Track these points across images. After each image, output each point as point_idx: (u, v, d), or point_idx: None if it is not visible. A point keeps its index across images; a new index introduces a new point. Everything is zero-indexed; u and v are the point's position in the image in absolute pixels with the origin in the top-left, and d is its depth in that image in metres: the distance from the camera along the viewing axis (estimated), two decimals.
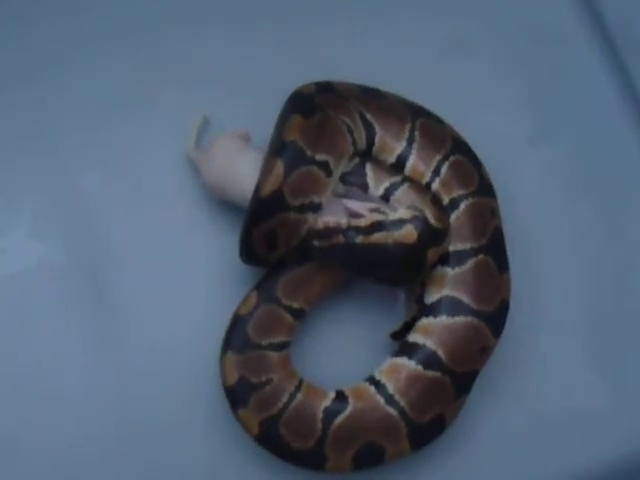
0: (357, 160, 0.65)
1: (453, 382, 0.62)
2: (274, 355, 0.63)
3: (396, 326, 0.66)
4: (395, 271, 0.61)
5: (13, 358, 0.67)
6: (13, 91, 0.71)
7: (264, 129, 0.64)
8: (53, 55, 0.72)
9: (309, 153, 0.60)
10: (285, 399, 0.62)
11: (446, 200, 0.65)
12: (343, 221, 0.61)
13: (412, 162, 0.65)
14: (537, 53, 0.74)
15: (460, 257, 0.64)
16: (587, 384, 0.69)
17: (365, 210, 0.62)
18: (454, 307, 0.63)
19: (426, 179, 0.65)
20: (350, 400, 0.62)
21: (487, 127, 0.70)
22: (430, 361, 0.62)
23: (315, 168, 0.60)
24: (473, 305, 0.63)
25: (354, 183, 0.64)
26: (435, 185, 0.65)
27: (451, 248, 0.64)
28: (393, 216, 0.61)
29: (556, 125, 0.73)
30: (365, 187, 0.64)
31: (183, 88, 0.71)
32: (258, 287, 0.64)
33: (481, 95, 0.73)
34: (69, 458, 0.65)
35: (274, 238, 0.61)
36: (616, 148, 0.73)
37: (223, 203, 0.67)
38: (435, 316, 0.63)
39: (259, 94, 0.69)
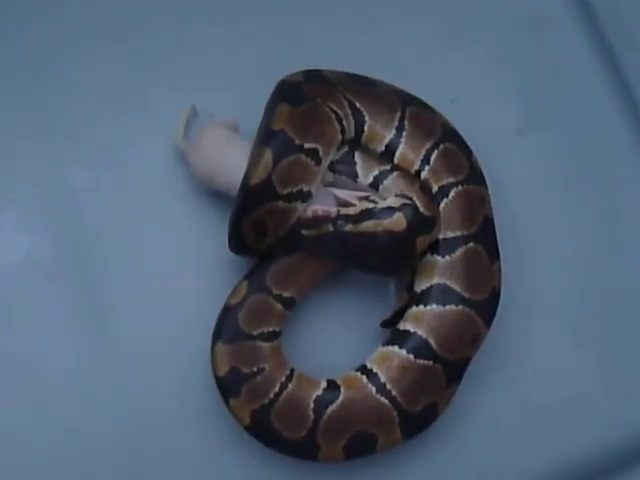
0: (346, 149, 0.65)
1: (444, 370, 0.62)
2: (265, 345, 0.63)
3: (386, 314, 0.66)
4: (385, 259, 0.61)
5: (0, 352, 0.66)
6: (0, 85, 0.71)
7: (253, 118, 0.63)
8: (41, 50, 0.71)
9: (298, 142, 0.60)
10: (276, 389, 0.62)
11: (435, 188, 0.65)
12: (332, 210, 0.61)
13: (401, 150, 0.65)
14: (527, 42, 0.74)
15: (450, 245, 0.64)
16: (576, 374, 0.69)
17: (354, 199, 0.62)
18: (445, 295, 0.63)
19: (415, 167, 0.65)
20: (342, 389, 0.62)
21: (477, 116, 0.70)
22: (421, 349, 0.62)
23: (304, 157, 0.60)
24: (464, 293, 0.63)
25: (343, 172, 0.64)
26: (425, 173, 0.65)
27: (441, 236, 0.64)
28: (382, 204, 0.61)
29: (546, 114, 0.73)
30: (354, 176, 0.64)
31: (171, 79, 0.71)
32: (248, 277, 0.64)
33: (471, 84, 0.73)
34: (58, 451, 0.65)
35: (263, 227, 0.61)
36: (605, 136, 0.73)
37: (212, 193, 0.67)
38: (425, 304, 0.63)
39: (247, 84, 0.69)
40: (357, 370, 0.64)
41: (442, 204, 0.64)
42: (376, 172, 0.64)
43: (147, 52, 0.71)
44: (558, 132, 0.73)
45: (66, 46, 0.71)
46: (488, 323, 0.64)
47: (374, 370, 0.63)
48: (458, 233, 0.64)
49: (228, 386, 0.62)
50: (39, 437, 0.65)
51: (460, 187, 0.65)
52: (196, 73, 0.71)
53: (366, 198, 0.62)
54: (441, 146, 0.65)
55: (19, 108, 0.70)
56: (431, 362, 0.62)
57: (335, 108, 0.63)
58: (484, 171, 0.67)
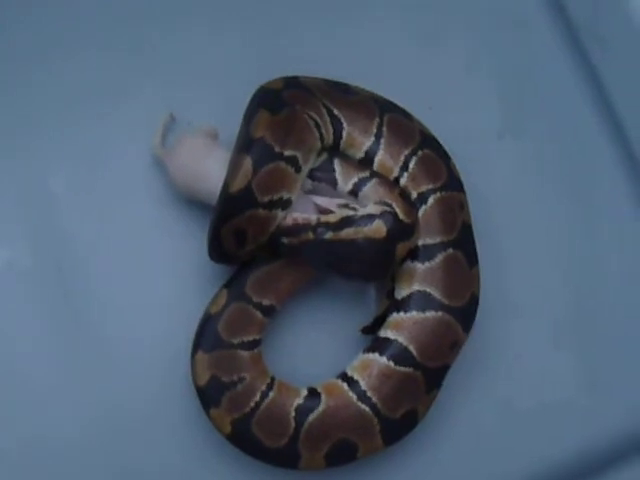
0: (325, 156, 0.65)
1: (424, 377, 0.62)
2: (245, 354, 0.62)
3: (367, 321, 0.66)
4: (365, 266, 0.61)
5: None
6: None
7: (232, 125, 0.63)
8: (20, 52, 0.70)
9: (277, 149, 0.60)
10: (257, 398, 0.62)
11: (414, 195, 0.65)
12: (312, 217, 0.61)
13: (380, 157, 0.65)
14: (504, 46, 0.74)
15: (430, 252, 0.64)
16: (557, 376, 0.69)
17: (334, 206, 0.62)
18: (424, 302, 0.63)
19: (394, 174, 0.65)
20: (323, 397, 0.62)
21: (456, 121, 0.70)
22: (401, 357, 0.62)
23: (284, 164, 0.60)
24: (444, 300, 0.63)
25: (322, 179, 0.64)
26: (403, 180, 0.65)
27: (420, 242, 0.64)
28: (362, 211, 0.61)
29: (524, 118, 0.73)
30: (334, 183, 0.64)
31: (150, 86, 0.70)
32: (228, 285, 0.64)
33: (449, 89, 0.73)
34: (35, 450, 0.65)
35: (243, 235, 0.61)
36: (584, 139, 0.73)
37: (191, 201, 0.67)
38: (406, 311, 0.63)
39: (227, 91, 0.68)
40: (338, 377, 0.64)
41: (421, 211, 0.64)
42: (355, 179, 0.64)
43: (125, 58, 0.70)
44: (537, 136, 0.73)
45: (44, 50, 0.70)
46: (467, 329, 0.64)
47: (355, 377, 0.63)
48: (437, 240, 0.64)
49: (208, 396, 0.62)
50: (15, 437, 0.65)
51: (439, 194, 0.65)
52: (175, 80, 0.70)
53: (346, 205, 0.62)
54: (419, 153, 0.65)
55: None
56: (411, 369, 0.62)
57: (314, 115, 0.63)
58: (463, 176, 0.67)
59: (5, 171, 0.68)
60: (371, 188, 0.64)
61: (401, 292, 0.64)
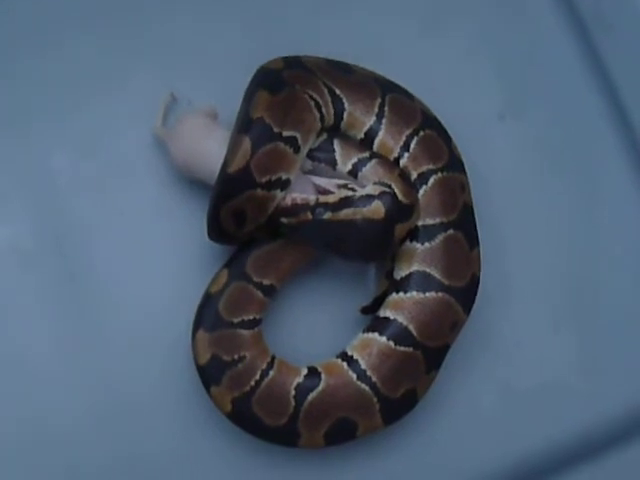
0: (325, 136, 0.65)
1: (424, 357, 0.63)
2: (246, 333, 0.63)
3: (367, 301, 0.66)
4: (363, 247, 0.61)
5: None
6: None
7: (232, 106, 0.63)
8: (20, 36, 0.70)
9: (276, 129, 0.60)
10: (257, 376, 0.62)
11: (415, 175, 0.64)
12: (311, 198, 0.61)
13: (381, 137, 0.65)
14: (506, 27, 0.74)
15: (430, 232, 0.64)
16: (556, 358, 0.70)
17: (333, 186, 0.62)
18: (424, 282, 0.63)
19: (395, 154, 0.65)
20: (322, 376, 0.63)
21: (457, 103, 0.70)
22: (401, 336, 0.63)
23: (282, 144, 0.60)
24: (444, 280, 0.63)
25: (322, 159, 0.64)
26: (404, 160, 0.65)
27: (420, 223, 0.64)
28: (361, 192, 0.61)
29: (526, 100, 0.73)
30: (333, 163, 0.64)
31: (151, 67, 0.70)
32: (228, 265, 0.64)
33: (451, 70, 0.73)
34: (39, 434, 0.66)
35: (242, 215, 0.61)
36: (585, 121, 0.73)
37: (192, 182, 0.67)
38: (405, 291, 0.63)
39: (227, 71, 0.68)
40: (338, 357, 0.64)
41: (421, 191, 0.64)
42: (355, 160, 0.64)
43: (128, 40, 0.70)
44: (538, 118, 0.73)
45: (44, 34, 0.70)
46: (467, 310, 0.64)
47: (355, 357, 0.63)
48: (437, 220, 0.64)
49: (209, 374, 0.62)
50: (16, 419, 0.66)
51: (440, 174, 0.65)
52: (176, 60, 0.70)
53: (345, 186, 0.62)
54: (421, 133, 0.65)
55: None
56: (411, 349, 0.62)
57: (314, 95, 0.63)
58: (464, 157, 0.67)
59: (7, 153, 0.69)
60: (370, 169, 0.64)
61: (400, 272, 0.64)
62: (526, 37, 0.74)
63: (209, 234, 0.63)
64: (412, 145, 0.65)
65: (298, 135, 0.61)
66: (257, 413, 0.62)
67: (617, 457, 0.69)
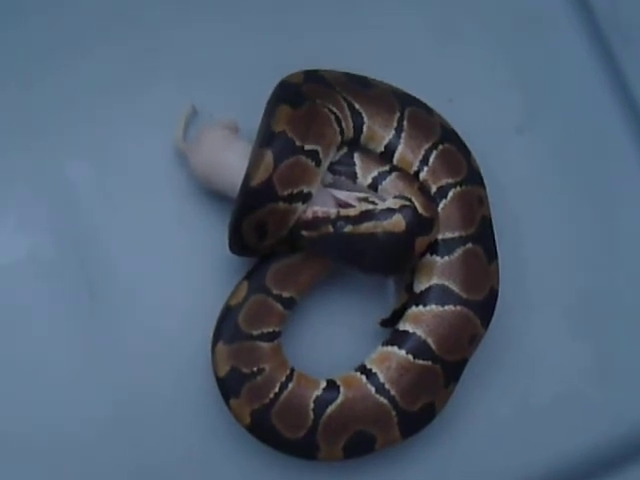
0: (345, 149, 0.65)
1: (443, 371, 0.63)
2: (265, 345, 0.63)
3: (386, 314, 0.66)
4: (384, 260, 0.61)
5: (5, 351, 0.67)
6: None
7: (253, 119, 0.63)
8: (40, 45, 0.71)
9: (298, 143, 0.60)
10: (276, 389, 0.62)
11: (434, 189, 0.65)
12: (332, 211, 0.61)
13: (400, 151, 0.65)
14: (525, 40, 0.74)
15: (449, 246, 0.64)
16: (574, 370, 0.69)
17: (354, 200, 0.62)
18: (443, 296, 0.63)
19: (414, 168, 0.65)
20: (341, 389, 0.63)
21: (476, 115, 0.70)
22: (420, 350, 0.63)
23: (304, 158, 0.60)
24: (462, 294, 0.63)
25: (342, 173, 0.64)
26: (423, 174, 0.65)
27: (440, 237, 0.64)
28: (382, 205, 0.62)
29: (544, 112, 0.73)
30: (353, 176, 0.64)
31: (172, 78, 0.71)
32: (248, 277, 0.64)
33: (470, 83, 0.73)
34: (59, 435, 0.66)
35: (263, 228, 0.61)
36: (604, 134, 0.73)
37: (212, 194, 0.67)
38: (425, 305, 0.63)
39: (248, 84, 0.69)
40: (357, 370, 0.64)
41: (441, 205, 0.64)
42: (375, 173, 0.64)
43: (149, 51, 0.71)
44: (556, 131, 0.73)
45: (65, 44, 0.71)
46: (486, 324, 0.64)
47: (373, 370, 0.63)
48: (457, 234, 0.64)
49: (228, 386, 0.62)
50: (34, 423, 0.66)
51: (459, 188, 0.65)
52: (197, 72, 0.71)
53: (365, 199, 0.62)
54: (440, 147, 0.66)
55: (18, 106, 0.70)
56: (430, 362, 0.63)
57: (334, 109, 0.63)
58: (483, 170, 0.67)
59: (28, 163, 0.69)
60: (391, 182, 0.64)
61: (420, 285, 0.64)
62: (544, 49, 0.74)
63: (231, 247, 0.63)
64: (431, 159, 0.65)
65: (319, 149, 0.61)
66: (276, 425, 0.62)
67: (638, 468, 0.68)
